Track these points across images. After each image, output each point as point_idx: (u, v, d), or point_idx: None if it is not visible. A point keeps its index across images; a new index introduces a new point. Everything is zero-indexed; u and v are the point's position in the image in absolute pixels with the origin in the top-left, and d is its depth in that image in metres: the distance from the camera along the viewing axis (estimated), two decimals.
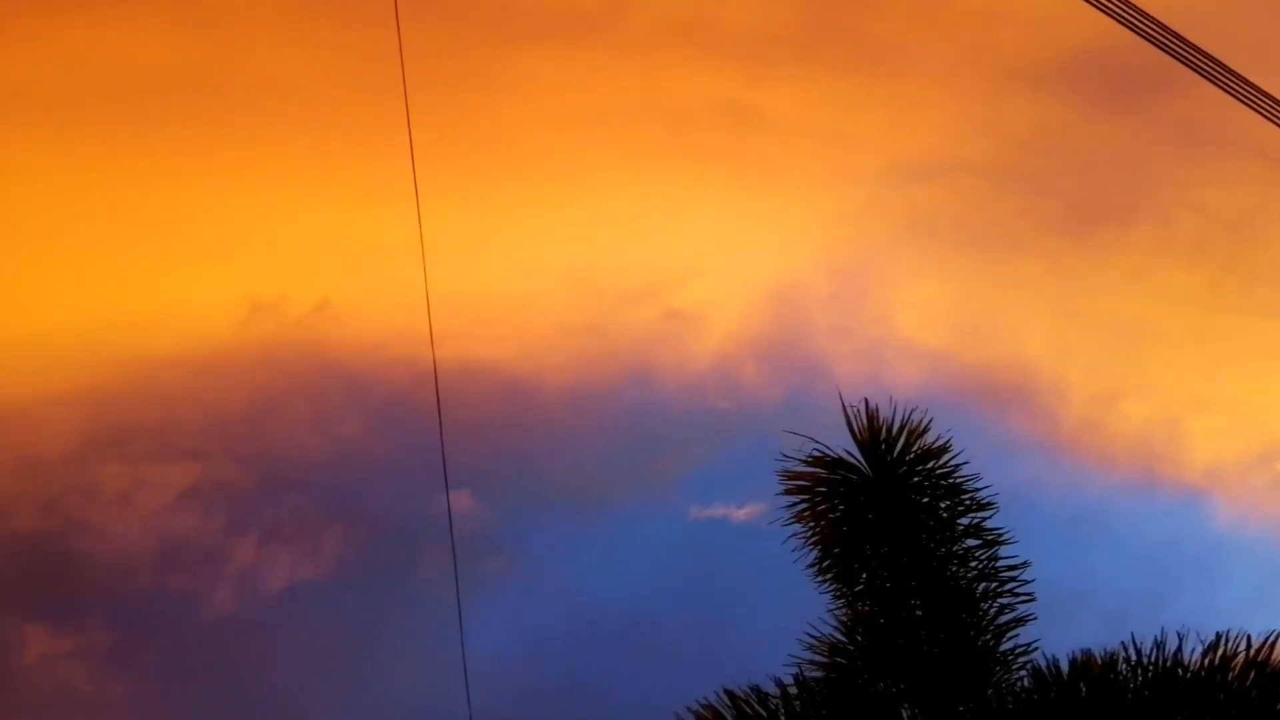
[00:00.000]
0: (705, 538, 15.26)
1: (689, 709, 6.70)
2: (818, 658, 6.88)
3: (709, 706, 6.65)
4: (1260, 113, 4.66)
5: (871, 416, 6.80)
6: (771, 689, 6.74)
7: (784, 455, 6.90)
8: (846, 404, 6.87)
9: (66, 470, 15.99)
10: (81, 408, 16.17)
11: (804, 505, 6.89)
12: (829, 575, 6.97)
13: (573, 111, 15.72)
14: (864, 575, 6.89)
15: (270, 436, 16.48)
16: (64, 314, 16.14)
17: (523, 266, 16.00)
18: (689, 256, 16.32)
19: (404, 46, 7.89)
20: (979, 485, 6.79)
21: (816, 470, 6.83)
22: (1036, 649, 6.53)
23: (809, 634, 6.90)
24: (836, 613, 6.97)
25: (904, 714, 6.59)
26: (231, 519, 15.59)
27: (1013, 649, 6.55)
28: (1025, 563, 6.60)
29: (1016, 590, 6.60)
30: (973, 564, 6.69)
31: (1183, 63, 4.58)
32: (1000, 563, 6.67)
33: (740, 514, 14.85)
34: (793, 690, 6.74)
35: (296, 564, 15.58)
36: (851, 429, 6.82)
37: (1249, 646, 6.17)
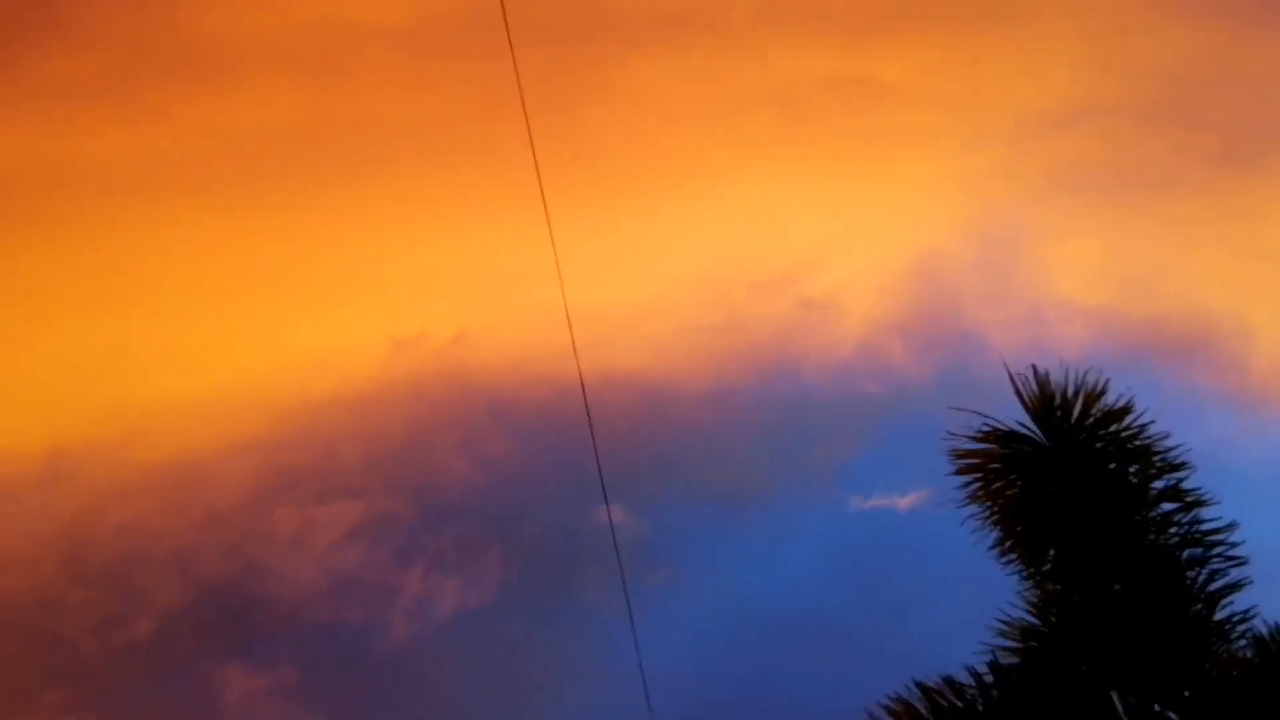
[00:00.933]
0: (870, 529, 14.85)
1: (880, 705, 6.44)
2: (1010, 643, 6.54)
3: (901, 701, 6.38)
4: None
5: (1042, 383, 6.42)
6: (965, 679, 6.44)
7: (950, 434, 6.59)
8: (1012, 373, 6.51)
9: (242, 518, 16.74)
10: (251, 457, 16.90)
11: (978, 484, 6.56)
12: (1013, 556, 6.62)
13: (686, 111, 15.63)
14: (1051, 552, 6.50)
15: (425, 467, 16.89)
16: (228, 370, 16.94)
17: (652, 273, 15.97)
18: (819, 241, 15.99)
19: (519, 72, 7.92)
20: (1169, 445, 6.32)
21: (988, 446, 6.49)
22: (1255, 615, 6.03)
23: (998, 619, 6.56)
24: (1025, 594, 6.63)
25: (1113, 695, 6.17)
26: (397, 551, 16.03)
27: (1228, 617, 6.06)
28: (1232, 524, 6.11)
29: (1226, 554, 6.11)
30: (1172, 530, 6.23)
31: None
32: (1203, 526, 6.19)
33: (905, 501, 14.39)
34: (988, 678, 6.41)
35: (462, 590, 15.91)
36: (1022, 398, 6.45)
37: None
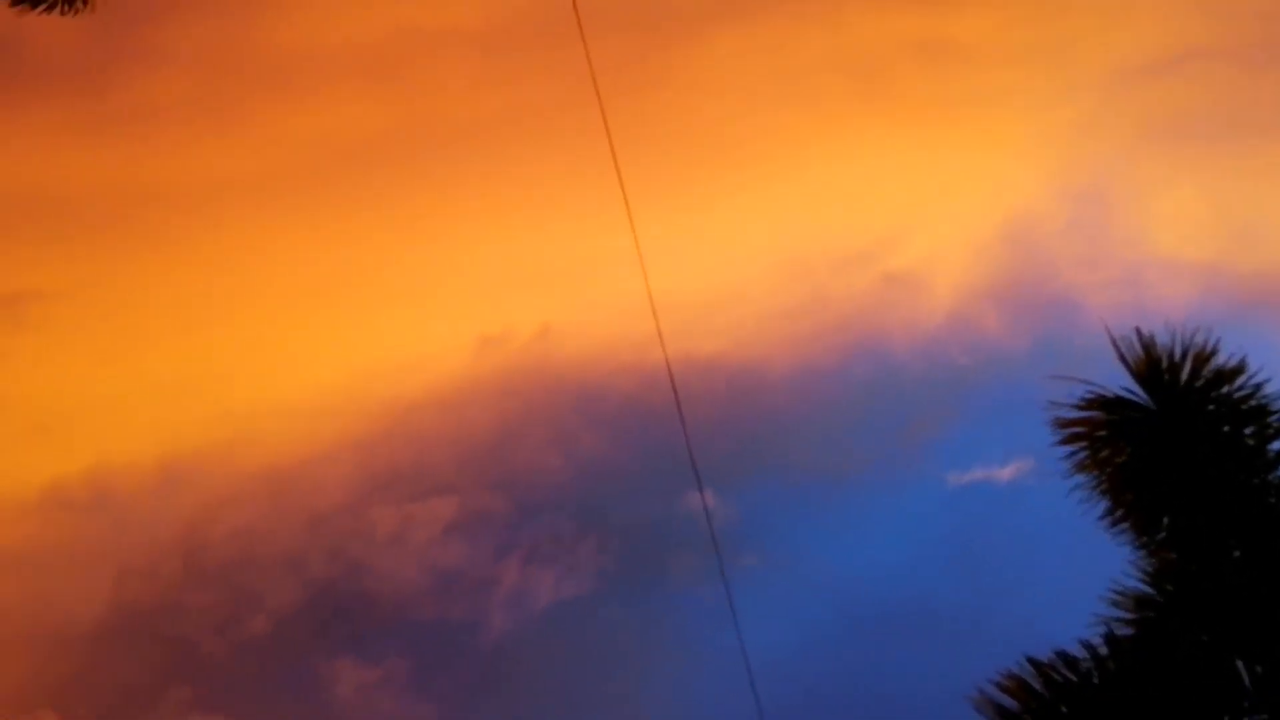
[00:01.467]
0: (969, 503, 14.59)
1: (991, 683, 6.30)
2: (1124, 614, 6.36)
3: (1014, 678, 6.24)
4: None
5: (1147, 346, 6.21)
6: (1078, 653, 6.28)
7: (1052, 403, 6.42)
8: (1115, 337, 6.30)
9: (344, 518, 17.17)
10: (348, 458, 17.30)
11: (1084, 454, 6.38)
12: (1124, 525, 6.43)
13: (761, 87, 15.49)
14: (1165, 520, 6.30)
15: (516, 461, 17.10)
16: (324, 374, 17.37)
17: (733, 255, 15.89)
18: (903, 211, 15.72)
19: (591, 60, 7.94)
20: None
21: (1093, 414, 6.30)
22: None
23: (1111, 589, 6.38)
24: (1139, 564, 6.43)
25: (1239, 665, 5.96)
26: (494, 546, 16.29)
27: None
28: None
29: None
30: None
31: None
32: None
33: (1004, 474, 14.10)
34: (1103, 650, 6.25)
35: (558, 581, 16.09)
36: (1126, 362, 6.24)
37: None
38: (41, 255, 16.73)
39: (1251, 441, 6.11)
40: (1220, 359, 6.14)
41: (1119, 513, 6.36)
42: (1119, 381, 6.34)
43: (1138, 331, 6.29)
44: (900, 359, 16.08)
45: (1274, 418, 6.10)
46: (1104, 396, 6.26)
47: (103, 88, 16.62)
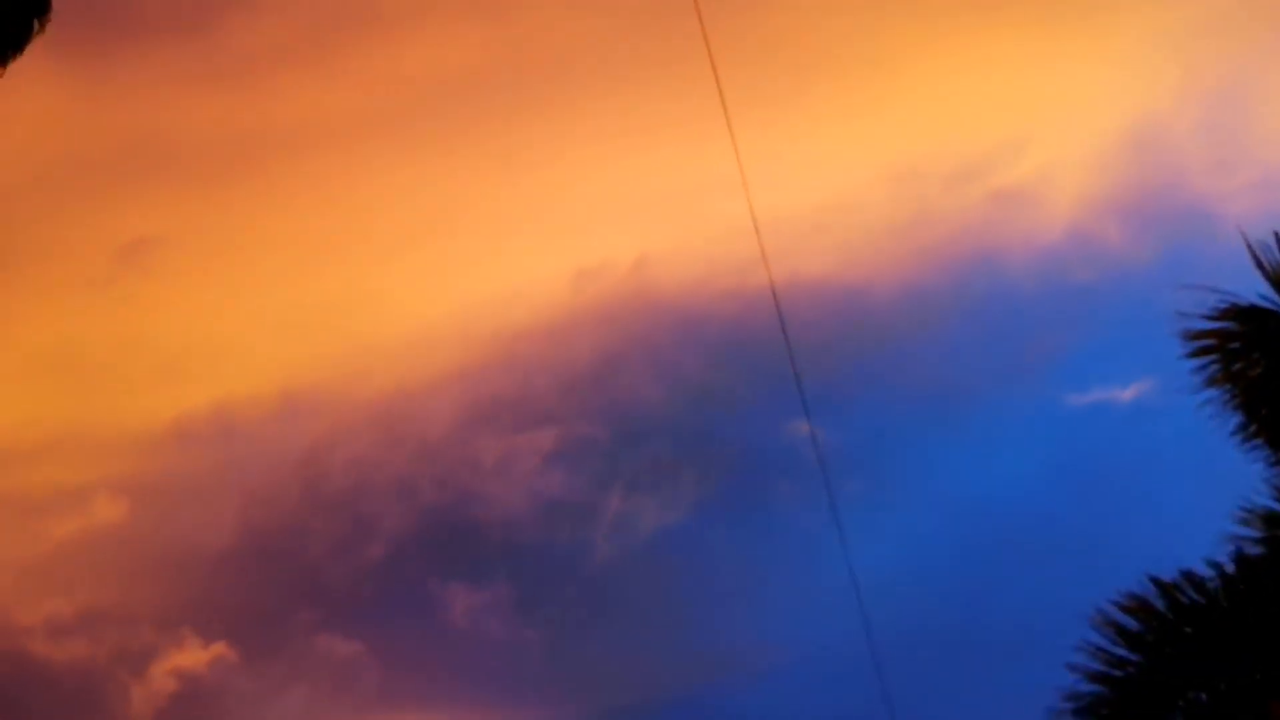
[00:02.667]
0: (1089, 424, 14.11)
1: (1113, 604, 6.13)
2: (1254, 532, 6.09)
3: (1136, 598, 6.06)
4: None
5: None
6: (1205, 572, 6.05)
7: (1180, 314, 6.10)
8: (1250, 242, 5.94)
9: (452, 448, 17.60)
10: (456, 390, 17.68)
11: (1216, 367, 6.07)
12: (1257, 440, 6.13)
13: None
14: None
15: (617, 390, 17.20)
16: (429, 308, 17.70)
17: (840, 171, 15.47)
18: (1018, 121, 15.02)
19: None
20: None
21: (1226, 324, 5.97)
22: None
23: (1241, 507, 6.10)
24: (1272, 481, 6.13)
25: None
26: (595, 474, 16.51)
27: None
28: None
29: None
30: None
31: None
32: None
33: (1126, 394, 13.57)
34: (1230, 570, 6.01)
35: (661, 509, 16.23)
36: (1263, 269, 5.89)
37: None
38: (159, 202, 17.36)
39: None
40: None
41: (1252, 428, 6.06)
42: (1255, 290, 6.00)
43: (1277, 237, 5.93)
44: (1016, 276, 15.51)
45: None
46: (1239, 306, 5.93)
47: (210, 36, 16.99)
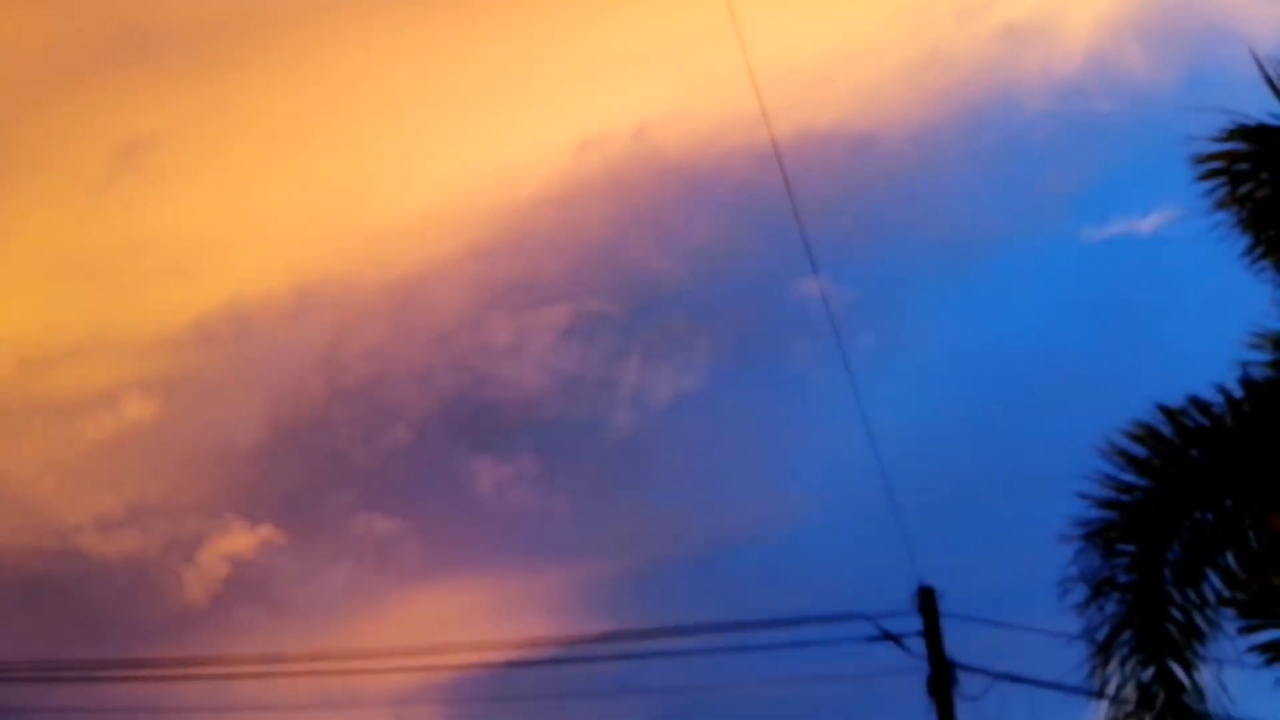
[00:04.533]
0: (1108, 258, 13.94)
1: (1121, 432, 6.21)
2: (1264, 356, 6.10)
3: (1143, 426, 6.13)
4: None
5: None
6: (1213, 397, 6.09)
7: (1190, 138, 5.98)
8: (1261, 60, 5.77)
9: (464, 332, 17.77)
10: (463, 272, 17.71)
11: (1223, 189, 5.97)
12: (1265, 264, 6.07)
13: None
14: None
15: (627, 261, 17.14)
16: (431, 188, 17.56)
17: (844, 14, 14.93)
18: None
19: None
20: None
21: (1234, 145, 5.86)
22: None
23: (1251, 332, 6.10)
24: None
25: None
26: (610, 348, 16.59)
27: None
28: None
29: None
30: None
31: None
32: None
33: (1146, 225, 13.37)
34: (1238, 394, 6.05)
35: (677, 376, 16.34)
36: (1273, 86, 5.73)
37: None
38: (150, 97, 17.08)
39: None
40: None
41: (1259, 250, 6.00)
42: (1268, 110, 5.85)
43: None
44: (1032, 112, 15.08)
45: None
46: (1246, 126, 5.79)
47: None
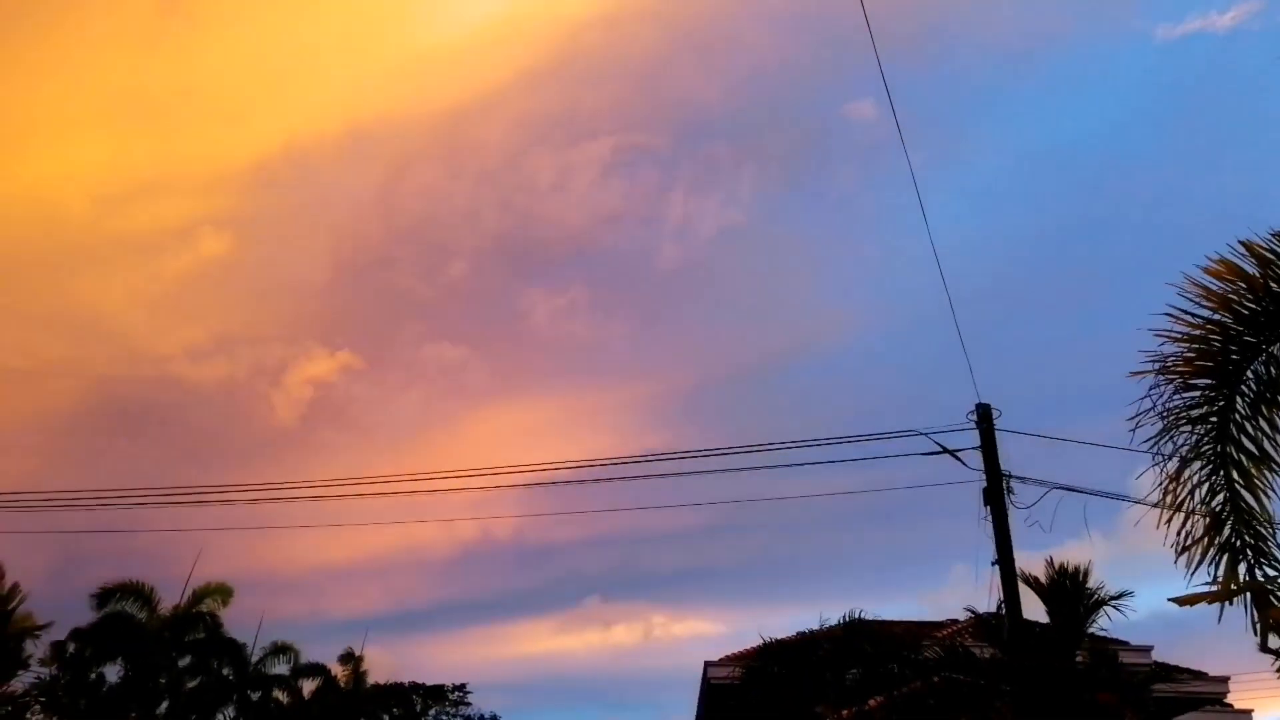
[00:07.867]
0: (1182, 60, 13.41)
1: (1201, 268, 6.22)
2: None
3: (1224, 262, 6.13)
4: None
5: None
6: None
7: None
8: None
9: (507, 173, 17.58)
10: (505, 108, 17.36)
11: None
12: None
13: None
14: None
15: (667, 93, 16.65)
16: (479, 4, 16.97)
17: None
18: None
19: None
20: None
21: None
22: None
23: None
24: None
25: None
26: (655, 181, 16.37)
27: None
28: None
29: None
30: None
31: None
32: None
33: (1225, 19, 12.77)
34: None
35: (721, 208, 16.17)
36: None
37: None
38: None
39: None
40: None
41: None
42: None
43: None
44: None
45: None
46: None
47: None
